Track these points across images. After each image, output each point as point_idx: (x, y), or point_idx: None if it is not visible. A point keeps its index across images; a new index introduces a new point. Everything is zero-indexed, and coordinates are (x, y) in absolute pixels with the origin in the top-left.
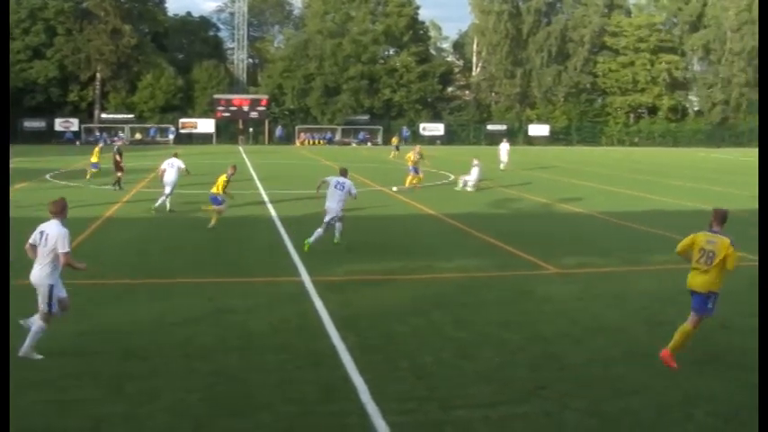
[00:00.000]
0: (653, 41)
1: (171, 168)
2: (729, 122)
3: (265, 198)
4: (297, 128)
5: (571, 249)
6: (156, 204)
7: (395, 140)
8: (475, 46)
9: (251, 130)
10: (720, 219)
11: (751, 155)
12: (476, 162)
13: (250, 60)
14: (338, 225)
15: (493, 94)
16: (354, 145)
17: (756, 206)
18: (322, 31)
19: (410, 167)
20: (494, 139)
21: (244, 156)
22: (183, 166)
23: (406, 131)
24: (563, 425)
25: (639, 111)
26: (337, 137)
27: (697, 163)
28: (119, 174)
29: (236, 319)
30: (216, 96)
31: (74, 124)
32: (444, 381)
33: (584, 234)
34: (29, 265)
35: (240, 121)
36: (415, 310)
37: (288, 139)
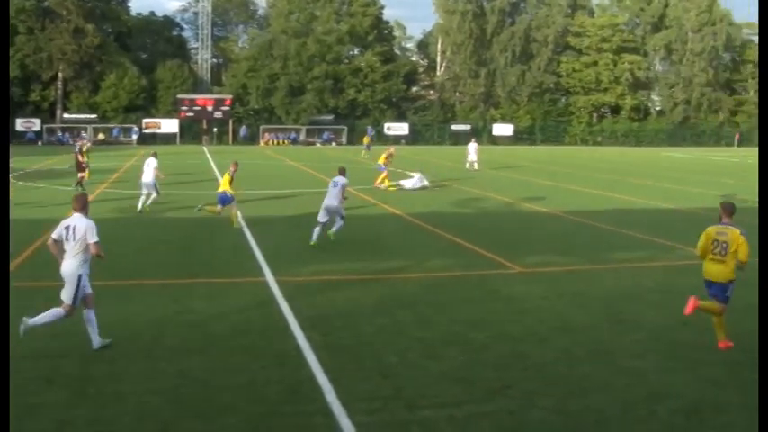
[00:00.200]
0: (616, 42)
1: (148, 168)
2: (690, 122)
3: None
4: (261, 128)
5: (535, 248)
6: (146, 205)
7: (366, 140)
8: (439, 46)
9: (215, 130)
10: (728, 211)
11: (712, 153)
12: (415, 175)
13: (214, 60)
14: (339, 222)
15: (457, 93)
16: (319, 145)
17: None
18: (286, 31)
19: (381, 166)
20: (458, 139)
21: (208, 156)
22: (155, 166)
23: (371, 131)
24: (528, 423)
25: (602, 110)
26: (302, 137)
27: (659, 162)
28: (81, 174)
29: (201, 320)
30: (180, 96)
31: (36, 124)
32: (410, 380)
33: (549, 233)
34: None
35: (204, 121)
36: (380, 309)
37: (252, 139)
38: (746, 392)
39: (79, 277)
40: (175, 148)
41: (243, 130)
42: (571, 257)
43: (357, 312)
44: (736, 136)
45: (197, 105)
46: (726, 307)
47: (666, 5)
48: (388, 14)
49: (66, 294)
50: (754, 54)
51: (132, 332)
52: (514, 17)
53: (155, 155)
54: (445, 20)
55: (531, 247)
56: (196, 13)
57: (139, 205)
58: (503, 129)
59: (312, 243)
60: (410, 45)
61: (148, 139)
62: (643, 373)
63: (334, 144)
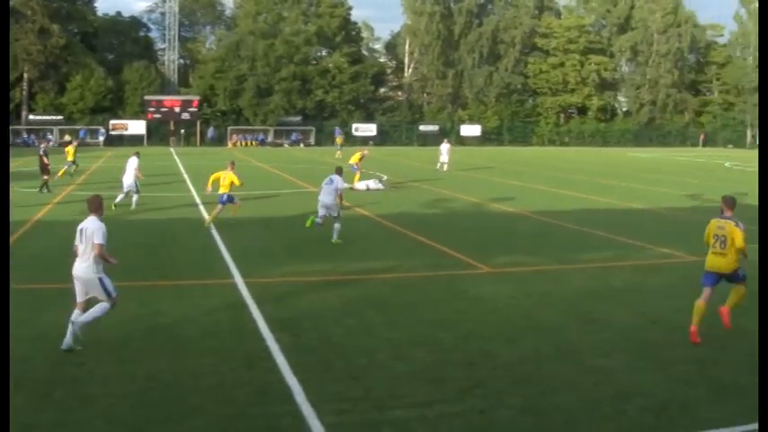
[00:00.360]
0: (582, 43)
1: (129, 167)
2: (656, 123)
3: (198, 200)
4: (229, 129)
5: (503, 248)
6: (131, 207)
7: (339, 140)
8: (407, 47)
9: (182, 131)
10: (729, 205)
11: (677, 153)
12: (369, 181)
13: (181, 61)
14: (336, 226)
15: (425, 94)
16: (287, 146)
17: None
18: (254, 32)
19: (353, 167)
20: (426, 140)
21: (175, 157)
22: (135, 166)
23: (338, 131)
24: (497, 422)
25: (569, 111)
26: (270, 138)
27: (626, 162)
28: (45, 177)
29: (169, 322)
30: (147, 97)
31: None
32: (380, 381)
33: (516, 233)
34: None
35: (171, 123)
36: (349, 310)
37: (220, 140)
38: (716, 391)
39: (100, 280)
40: (143, 149)
41: (210, 132)
42: (539, 257)
43: (326, 314)
44: (701, 136)
45: (164, 107)
46: (744, 284)
47: (632, 7)
48: (355, 15)
49: (101, 296)
50: (718, 55)
51: (100, 335)
52: (482, 18)
53: (137, 154)
54: (413, 21)
55: (500, 248)
56: (163, 14)
57: (116, 200)
58: (470, 129)
59: (307, 224)
60: (378, 46)
61: (115, 141)
62: (612, 372)
63: (302, 145)
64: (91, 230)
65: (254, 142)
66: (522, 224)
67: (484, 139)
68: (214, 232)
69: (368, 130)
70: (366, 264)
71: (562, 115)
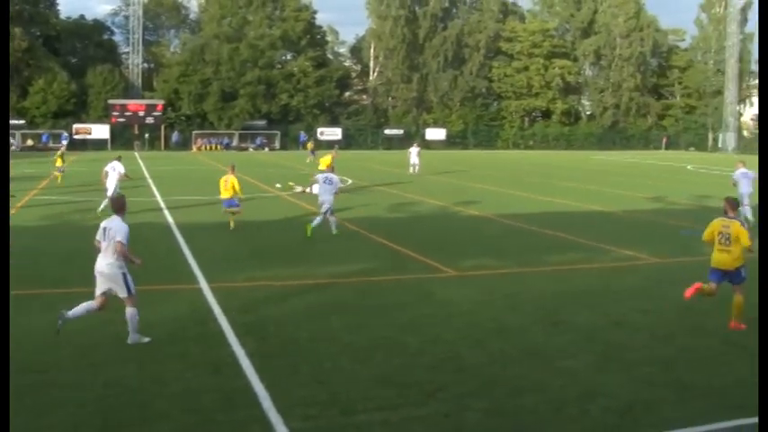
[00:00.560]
0: (546, 47)
1: (113, 172)
2: (620, 126)
3: (162, 204)
4: (194, 133)
5: (469, 252)
6: (99, 209)
7: (310, 145)
8: (372, 50)
9: (147, 135)
10: (732, 205)
11: (640, 157)
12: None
13: (145, 65)
14: (332, 219)
15: (390, 98)
16: (252, 150)
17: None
18: (219, 36)
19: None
20: (391, 144)
21: (140, 162)
22: (122, 170)
23: (303, 136)
24: (463, 425)
25: (534, 114)
26: (234, 142)
27: (589, 165)
28: None
29: None
30: (110, 101)
31: None
32: (345, 385)
33: (482, 236)
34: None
35: (136, 127)
36: (314, 315)
37: (184, 144)
38: (680, 391)
39: (123, 275)
40: (107, 154)
41: (175, 136)
42: (505, 260)
43: (291, 318)
44: (664, 139)
45: (128, 111)
46: (743, 287)
47: (595, 11)
48: (320, 19)
49: (122, 292)
50: (680, 59)
51: (63, 341)
52: (446, 22)
53: (119, 159)
54: (378, 25)
55: (465, 251)
56: (127, 17)
57: (100, 207)
58: (435, 133)
59: (309, 226)
60: (343, 50)
61: (79, 145)
62: (577, 373)
63: (267, 149)
64: (114, 230)
65: (219, 146)
66: (487, 227)
67: (449, 143)
68: (179, 237)
69: (333, 133)
70: (332, 268)
71: (527, 119)
